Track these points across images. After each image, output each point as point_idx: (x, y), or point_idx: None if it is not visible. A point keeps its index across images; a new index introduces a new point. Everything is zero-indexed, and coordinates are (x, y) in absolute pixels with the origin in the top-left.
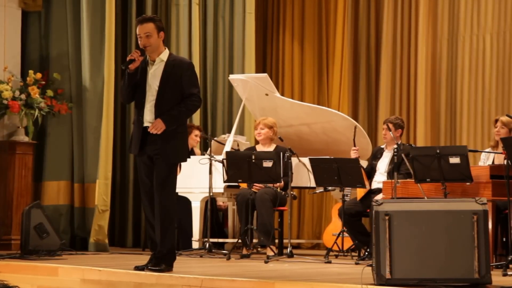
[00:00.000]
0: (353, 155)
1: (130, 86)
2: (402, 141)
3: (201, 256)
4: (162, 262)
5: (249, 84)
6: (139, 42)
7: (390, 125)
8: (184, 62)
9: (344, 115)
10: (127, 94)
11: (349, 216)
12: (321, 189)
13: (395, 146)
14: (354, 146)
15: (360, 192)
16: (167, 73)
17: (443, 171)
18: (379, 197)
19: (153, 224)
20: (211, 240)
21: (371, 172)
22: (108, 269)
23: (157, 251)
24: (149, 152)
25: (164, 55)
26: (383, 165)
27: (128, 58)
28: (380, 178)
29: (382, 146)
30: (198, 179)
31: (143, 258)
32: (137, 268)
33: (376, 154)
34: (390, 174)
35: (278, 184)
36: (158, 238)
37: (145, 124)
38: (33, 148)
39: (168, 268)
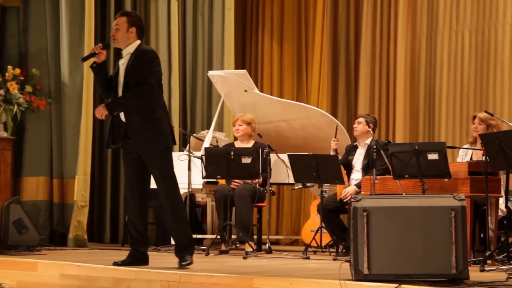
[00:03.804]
0: (333, 145)
1: (100, 79)
2: (381, 137)
3: None
4: (186, 253)
5: (228, 80)
6: None
7: (363, 119)
8: (145, 51)
9: (323, 112)
10: (101, 88)
11: (327, 212)
12: (299, 185)
13: (367, 141)
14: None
15: (340, 192)
16: (130, 65)
17: (421, 167)
18: (349, 189)
19: (136, 223)
20: None
21: (346, 167)
22: (87, 265)
23: (176, 243)
24: (133, 147)
25: (132, 47)
26: (358, 162)
27: (89, 52)
28: (357, 176)
29: (355, 143)
30: (177, 175)
31: (122, 254)
32: (116, 263)
33: (350, 151)
34: (364, 170)
35: (256, 180)
36: (174, 231)
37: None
38: (12, 143)
39: (192, 258)
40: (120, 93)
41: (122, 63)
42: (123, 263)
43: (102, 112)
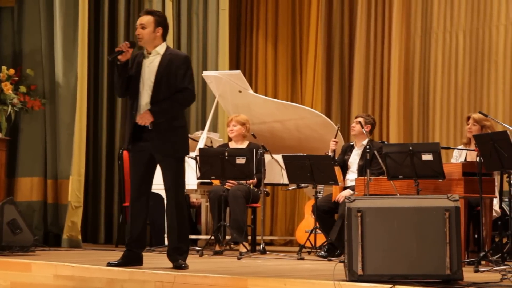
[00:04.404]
0: (332, 145)
1: (122, 78)
2: (375, 137)
3: None
4: (184, 258)
5: (222, 81)
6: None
7: (361, 119)
8: (180, 56)
9: (317, 112)
10: (120, 87)
11: (322, 213)
12: (294, 186)
13: (364, 142)
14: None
15: (336, 193)
16: (163, 67)
17: (415, 168)
18: (345, 193)
19: (138, 225)
20: None
21: (343, 166)
22: (81, 265)
23: (173, 247)
24: (150, 150)
25: (161, 48)
26: (354, 163)
27: (116, 49)
28: (352, 176)
29: (352, 143)
30: None
31: (116, 254)
32: (110, 264)
33: (346, 151)
34: (360, 171)
35: (251, 181)
36: (176, 235)
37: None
38: (6, 144)
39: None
40: (144, 94)
41: (150, 62)
42: (117, 264)
43: (147, 119)
